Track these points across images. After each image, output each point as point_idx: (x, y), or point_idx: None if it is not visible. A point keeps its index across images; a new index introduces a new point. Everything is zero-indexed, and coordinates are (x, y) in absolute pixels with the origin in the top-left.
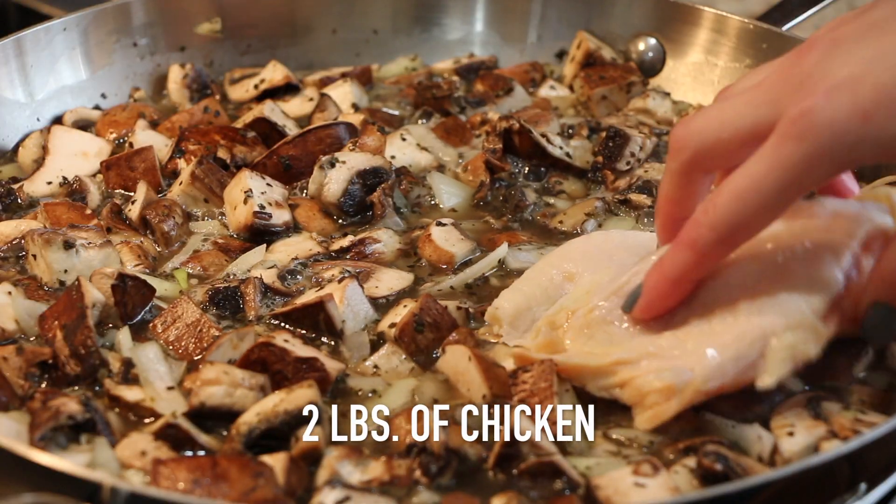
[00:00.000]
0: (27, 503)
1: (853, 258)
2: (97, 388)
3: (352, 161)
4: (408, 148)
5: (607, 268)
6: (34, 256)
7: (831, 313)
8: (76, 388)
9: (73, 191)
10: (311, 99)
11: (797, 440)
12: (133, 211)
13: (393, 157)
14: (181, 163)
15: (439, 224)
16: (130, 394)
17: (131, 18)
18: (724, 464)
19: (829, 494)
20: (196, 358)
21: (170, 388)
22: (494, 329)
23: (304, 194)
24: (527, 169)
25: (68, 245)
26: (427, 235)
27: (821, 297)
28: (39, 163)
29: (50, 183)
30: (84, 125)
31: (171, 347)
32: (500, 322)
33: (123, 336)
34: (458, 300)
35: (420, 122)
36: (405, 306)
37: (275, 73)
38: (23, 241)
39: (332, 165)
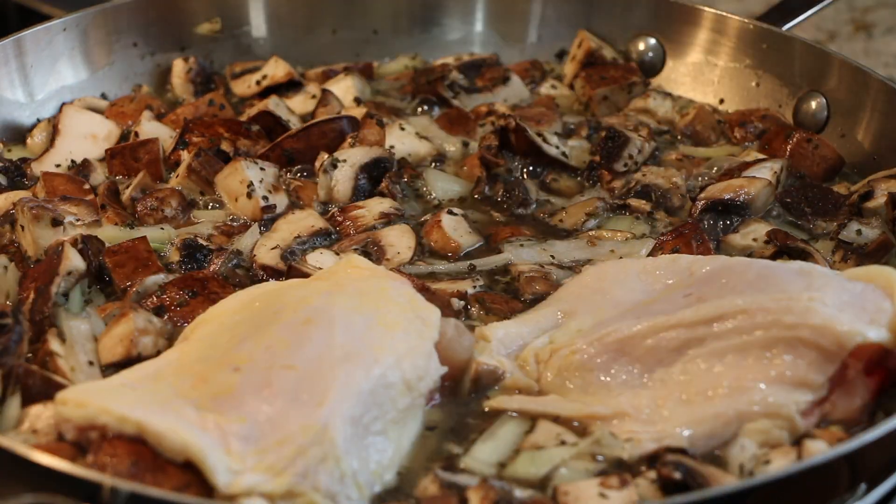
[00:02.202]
0: (27, 503)
1: (842, 366)
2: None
3: (352, 158)
4: (406, 137)
5: (601, 306)
6: (22, 227)
7: (811, 411)
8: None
9: (79, 170)
10: (313, 96)
11: (775, 465)
12: (125, 195)
13: (392, 148)
14: (184, 154)
15: (450, 213)
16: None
17: (131, 18)
18: (684, 472)
19: (829, 494)
20: (126, 285)
21: (90, 364)
22: (481, 344)
23: (300, 176)
24: (530, 168)
25: (56, 222)
26: (437, 221)
27: (805, 397)
28: (50, 141)
29: (58, 166)
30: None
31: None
32: (488, 339)
33: (73, 300)
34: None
35: (419, 110)
36: None
37: (276, 70)
38: (13, 211)
39: (335, 166)
